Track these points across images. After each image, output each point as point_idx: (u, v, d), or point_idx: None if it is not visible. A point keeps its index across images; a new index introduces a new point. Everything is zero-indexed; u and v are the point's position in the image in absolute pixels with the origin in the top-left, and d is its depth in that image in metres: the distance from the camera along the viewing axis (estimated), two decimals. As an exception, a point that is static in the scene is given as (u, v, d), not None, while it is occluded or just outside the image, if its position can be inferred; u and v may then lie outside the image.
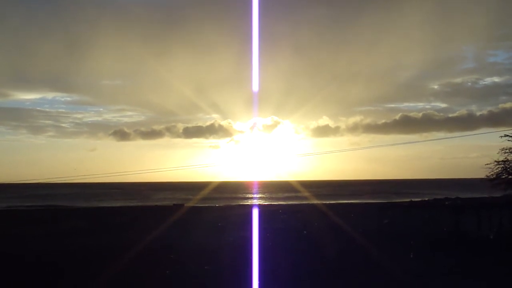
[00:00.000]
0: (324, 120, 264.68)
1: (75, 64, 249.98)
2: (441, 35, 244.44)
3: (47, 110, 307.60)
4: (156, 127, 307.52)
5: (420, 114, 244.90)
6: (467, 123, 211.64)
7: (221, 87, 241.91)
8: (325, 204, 70.36)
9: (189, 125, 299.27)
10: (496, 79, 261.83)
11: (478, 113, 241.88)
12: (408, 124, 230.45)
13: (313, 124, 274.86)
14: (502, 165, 30.62)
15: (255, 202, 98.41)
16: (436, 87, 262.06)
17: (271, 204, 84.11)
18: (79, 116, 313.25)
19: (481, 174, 31.68)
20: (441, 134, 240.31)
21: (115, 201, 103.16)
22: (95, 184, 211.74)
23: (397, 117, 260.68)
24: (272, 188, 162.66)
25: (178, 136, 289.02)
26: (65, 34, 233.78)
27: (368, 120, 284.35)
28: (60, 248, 25.89)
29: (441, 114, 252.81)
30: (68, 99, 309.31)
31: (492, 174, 30.93)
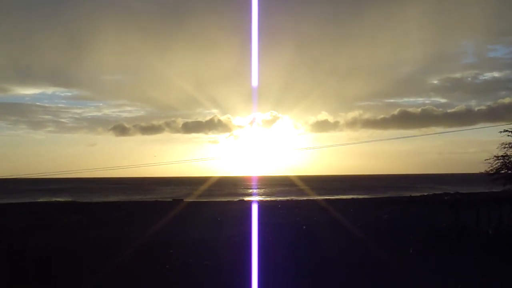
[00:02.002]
0: (323, 115, 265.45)
1: (75, 59, 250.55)
2: (441, 30, 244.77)
3: (47, 105, 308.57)
4: (156, 122, 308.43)
5: (420, 109, 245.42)
6: (466, 118, 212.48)
7: (220, 82, 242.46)
8: (325, 199, 70.38)
9: (189, 120, 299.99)
10: (496, 74, 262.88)
11: (477, 108, 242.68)
12: (407, 119, 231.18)
13: (312, 119, 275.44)
14: (502, 160, 30.60)
15: (255, 197, 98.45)
16: (435, 82, 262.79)
17: (270, 199, 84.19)
18: (78, 111, 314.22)
19: (480, 169, 31.71)
20: (440, 129, 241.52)
21: (114, 195, 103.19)
22: (94, 179, 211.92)
23: (397, 112, 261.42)
24: (271, 183, 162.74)
25: (178, 131, 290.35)
26: (65, 29, 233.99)
27: (367, 115, 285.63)
28: (58, 243, 25.86)
29: (441, 109, 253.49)
30: (68, 94, 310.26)
31: (491, 169, 30.92)
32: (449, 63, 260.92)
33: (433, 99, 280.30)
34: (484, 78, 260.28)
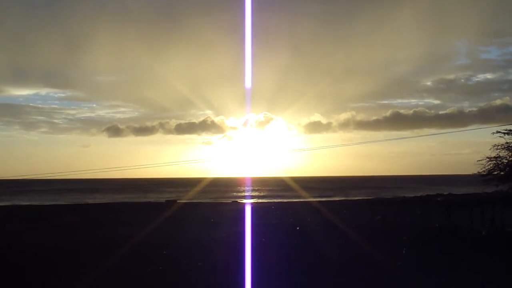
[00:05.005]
0: (316, 117, 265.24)
1: (69, 60, 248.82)
2: (434, 32, 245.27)
3: (40, 106, 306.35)
4: (149, 123, 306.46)
5: (413, 111, 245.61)
6: (459, 119, 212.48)
7: (214, 83, 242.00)
8: (318, 200, 70.44)
9: (182, 121, 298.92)
10: (488, 75, 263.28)
11: (470, 110, 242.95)
12: (400, 121, 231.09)
13: (305, 120, 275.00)
14: (494, 161, 30.70)
15: (248, 198, 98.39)
16: (429, 83, 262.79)
17: (264, 200, 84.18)
18: (72, 112, 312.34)
19: (473, 170, 31.81)
20: (433, 131, 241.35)
21: (107, 197, 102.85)
22: (87, 180, 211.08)
23: (390, 113, 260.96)
24: (265, 184, 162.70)
25: (171, 132, 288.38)
26: (59, 30, 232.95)
27: (360, 117, 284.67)
28: (53, 244, 25.78)
29: (434, 110, 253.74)
30: (62, 95, 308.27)
31: (484, 170, 31.01)
32: (442, 64, 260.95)
33: (426, 100, 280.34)
34: (477, 79, 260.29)
